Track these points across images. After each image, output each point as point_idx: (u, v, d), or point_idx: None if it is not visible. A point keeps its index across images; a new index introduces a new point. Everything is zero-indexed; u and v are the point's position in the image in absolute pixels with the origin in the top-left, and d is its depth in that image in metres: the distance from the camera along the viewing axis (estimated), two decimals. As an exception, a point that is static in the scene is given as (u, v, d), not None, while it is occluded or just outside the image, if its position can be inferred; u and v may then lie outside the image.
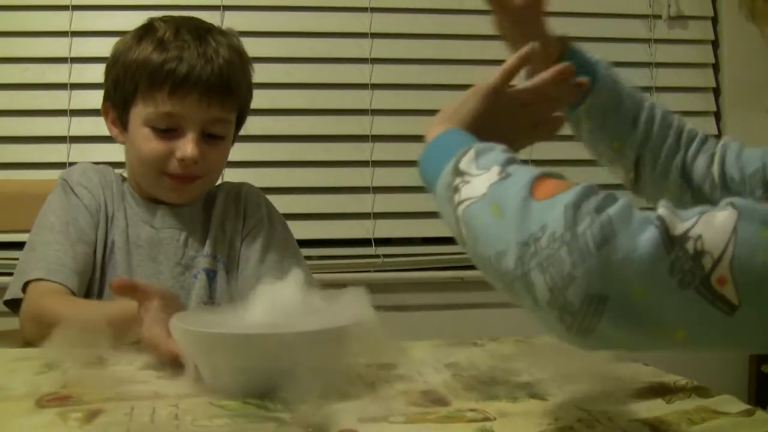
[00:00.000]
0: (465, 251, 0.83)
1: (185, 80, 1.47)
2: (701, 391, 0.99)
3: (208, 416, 0.90)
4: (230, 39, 1.57)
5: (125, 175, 1.63)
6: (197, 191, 1.58)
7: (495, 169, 0.81)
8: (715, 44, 2.76)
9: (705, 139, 1.28)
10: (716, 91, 2.75)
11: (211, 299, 1.53)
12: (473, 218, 0.80)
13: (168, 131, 1.50)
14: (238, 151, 2.28)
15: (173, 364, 1.05)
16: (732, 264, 0.67)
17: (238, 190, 1.67)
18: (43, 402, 0.93)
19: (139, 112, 1.50)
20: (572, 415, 0.90)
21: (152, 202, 1.58)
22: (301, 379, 0.96)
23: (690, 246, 0.67)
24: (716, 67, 2.75)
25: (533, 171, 0.79)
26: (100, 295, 1.50)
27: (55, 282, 1.42)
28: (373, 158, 2.55)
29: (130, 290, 1.15)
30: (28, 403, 0.92)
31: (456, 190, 0.83)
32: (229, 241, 1.59)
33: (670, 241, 0.68)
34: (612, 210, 0.70)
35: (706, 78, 2.74)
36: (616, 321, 0.69)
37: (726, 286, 0.67)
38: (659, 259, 0.67)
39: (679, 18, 2.72)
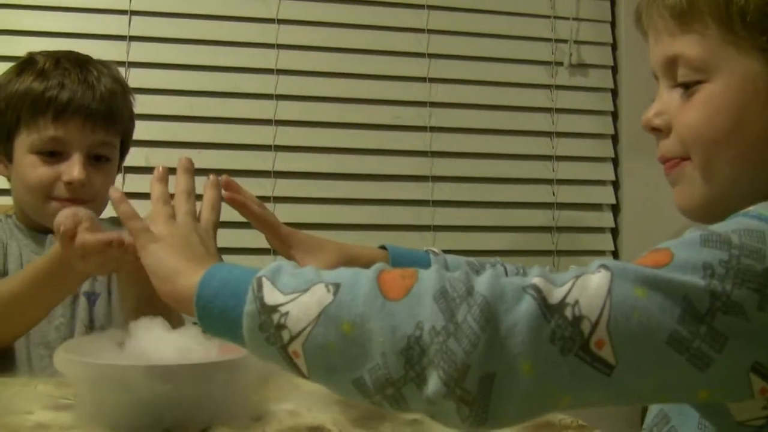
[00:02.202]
0: (314, 382, 0.77)
1: (67, 106, 1.50)
2: (585, 430, 1.00)
3: (89, 449, 0.88)
4: (111, 69, 1.62)
5: (9, 213, 1.64)
6: None
7: (318, 288, 0.75)
8: (615, 93, 2.82)
9: None
10: (614, 138, 2.81)
11: (91, 322, 1.52)
12: (320, 346, 0.73)
13: (54, 156, 1.52)
14: (141, 183, 2.28)
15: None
16: (609, 326, 0.68)
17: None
18: None
19: (23, 140, 1.52)
20: (456, 452, 0.90)
21: (40, 232, 1.57)
22: (185, 412, 0.95)
23: (568, 312, 0.69)
24: (615, 115, 2.82)
25: (366, 272, 0.76)
26: None
27: None
28: (275, 194, 2.53)
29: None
30: None
31: (279, 327, 0.74)
32: None
33: (548, 309, 0.69)
34: (481, 287, 0.70)
35: (605, 125, 2.80)
36: (504, 396, 0.69)
37: (604, 348, 0.68)
38: (540, 328, 0.68)
39: (580, 66, 2.78)
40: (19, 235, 1.58)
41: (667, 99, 0.93)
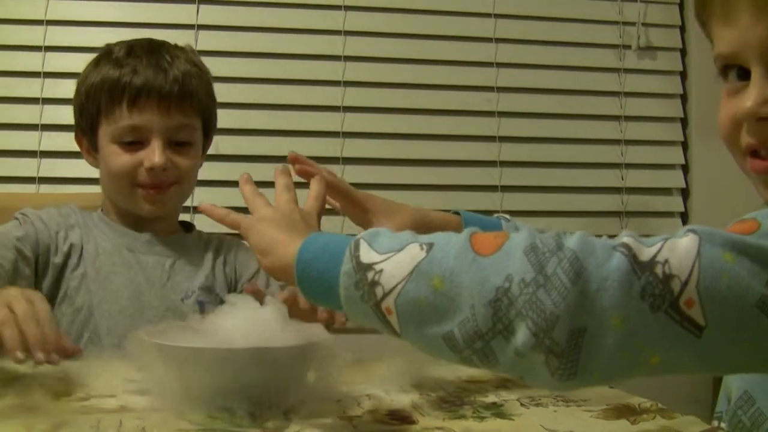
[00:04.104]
0: (406, 339, 0.78)
1: (141, 91, 1.53)
2: (665, 413, 1.00)
3: (175, 430, 0.89)
4: (186, 52, 1.64)
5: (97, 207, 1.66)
6: (172, 200, 1.62)
7: (412, 247, 0.77)
8: (683, 75, 2.79)
9: None
10: (684, 122, 2.78)
11: None
12: (412, 301, 0.74)
13: (135, 144, 1.55)
14: (212, 171, 2.30)
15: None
16: (698, 286, 0.68)
17: (224, 242, 1.72)
18: (8, 413, 0.92)
19: (105, 131, 1.56)
20: (538, 435, 0.91)
21: (132, 227, 1.61)
22: (269, 394, 0.96)
23: (659, 270, 0.69)
24: (684, 98, 2.78)
25: (460, 234, 0.77)
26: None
27: None
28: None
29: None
30: (-8, 414, 0.92)
31: (373, 284, 0.76)
32: (230, 283, 1.65)
33: (639, 266, 0.69)
34: (572, 243, 0.71)
35: (674, 108, 2.77)
36: (594, 350, 0.69)
37: (693, 308, 0.68)
38: (630, 284, 0.68)
39: (649, 49, 2.75)
40: (105, 229, 1.60)
41: None
